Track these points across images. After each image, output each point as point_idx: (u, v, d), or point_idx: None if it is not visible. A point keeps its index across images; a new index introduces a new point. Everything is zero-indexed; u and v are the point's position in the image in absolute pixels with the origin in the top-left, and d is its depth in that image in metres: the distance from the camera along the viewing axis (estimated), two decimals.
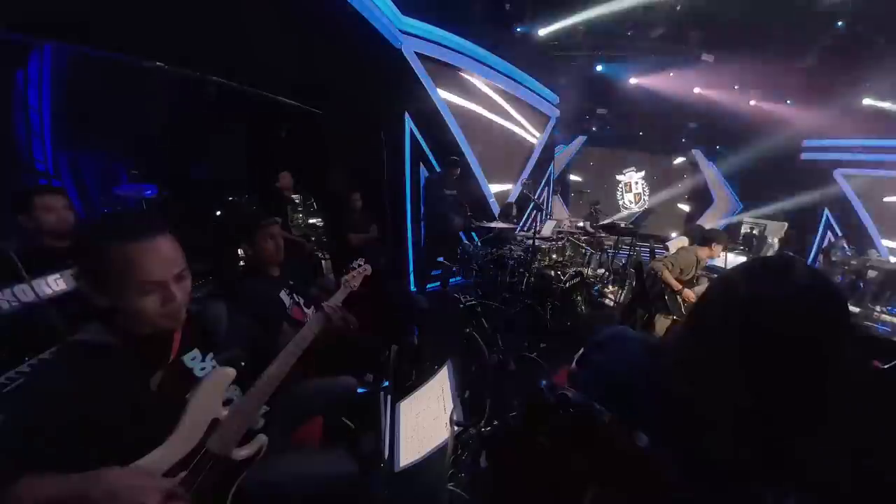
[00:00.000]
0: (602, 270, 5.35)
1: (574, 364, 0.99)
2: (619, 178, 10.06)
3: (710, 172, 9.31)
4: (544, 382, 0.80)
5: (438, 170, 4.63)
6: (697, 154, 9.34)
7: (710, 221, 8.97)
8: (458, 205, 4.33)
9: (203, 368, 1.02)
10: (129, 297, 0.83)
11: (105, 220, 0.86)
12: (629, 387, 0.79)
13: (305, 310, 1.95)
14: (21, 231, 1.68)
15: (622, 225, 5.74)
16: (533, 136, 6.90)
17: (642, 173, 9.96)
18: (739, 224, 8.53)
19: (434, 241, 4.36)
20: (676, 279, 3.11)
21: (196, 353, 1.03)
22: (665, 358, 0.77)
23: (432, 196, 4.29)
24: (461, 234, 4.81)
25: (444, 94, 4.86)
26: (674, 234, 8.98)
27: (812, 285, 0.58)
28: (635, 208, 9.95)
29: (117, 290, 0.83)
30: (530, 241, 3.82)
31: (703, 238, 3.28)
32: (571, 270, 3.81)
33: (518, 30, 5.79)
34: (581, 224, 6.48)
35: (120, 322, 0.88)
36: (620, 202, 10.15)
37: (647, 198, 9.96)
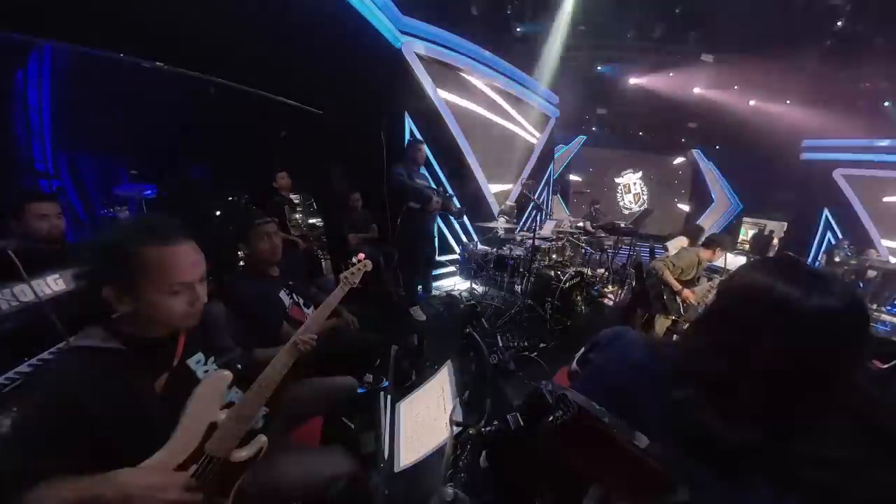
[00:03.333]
0: (602, 270, 5.36)
1: (574, 364, 1.00)
2: (617, 180, 10.07)
3: (710, 172, 9.32)
4: (544, 382, 0.80)
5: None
6: (697, 154, 9.35)
7: (709, 221, 8.98)
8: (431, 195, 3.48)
9: (206, 371, 1.02)
10: (161, 298, 0.85)
11: (138, 223, 0.89)
12: (629, 389, 0.80)
13: (305, 310, 1.95)
14: (13, 234, 1.68)
15: (622, 225, 5.75)
16: (533, 136, 6.90)
17: (640, 174, 9.96)
18: (739, 224, 8.55)
19: (408, 247, 3.63)
20: (677, 279, 3.11)
21: (200, 356, 1.03)
22: (669, 361, 0.76)
23: (397, 193, 3.46)
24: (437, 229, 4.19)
25: (444, 94, 4.86)
26: (674, 234, 9.00)
27: (853, 302, 0.57)
28: (636, 208, 9.96)
29: (147, 291, 0.84)
30: (530, 241, 3.82)
31: (708, 241, 3.28)
32: (571, 270, 3.80)
33: (519, 30, 5.79)
34: (581, 224, 6.48)
35: (124, 325, 0.88)
36: (620, 203, 10.16)
37: (646, 197, 9.97)
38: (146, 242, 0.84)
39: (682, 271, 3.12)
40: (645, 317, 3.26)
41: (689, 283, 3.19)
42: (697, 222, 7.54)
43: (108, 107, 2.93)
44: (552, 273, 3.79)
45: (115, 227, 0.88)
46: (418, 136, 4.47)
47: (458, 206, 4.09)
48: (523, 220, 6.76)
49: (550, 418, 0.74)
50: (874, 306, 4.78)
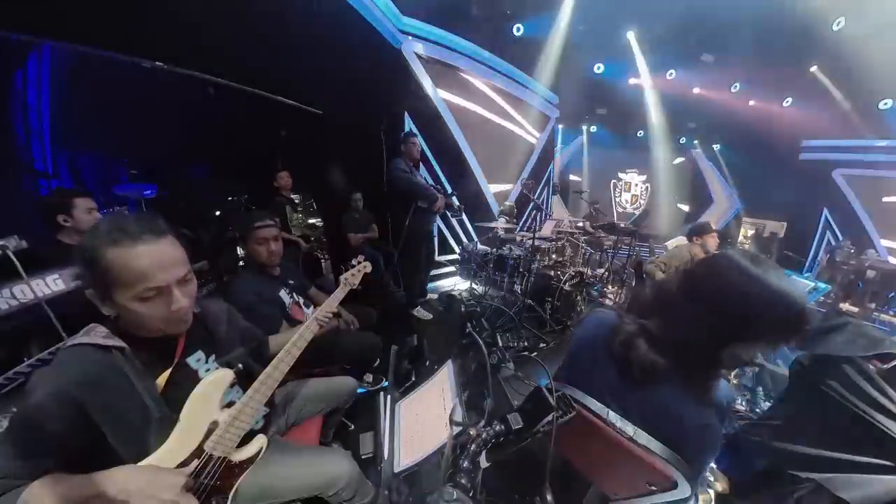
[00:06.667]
0: (602, 270, 5.35)
1: None
2: (621, 175, 10.07)
3: (710, 172, 9.32)
4: (544, 382, 0.80)
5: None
6: (697, 154, 9.35)
7: (709, 221, 8.98)
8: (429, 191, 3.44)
9: (208, 370, 1.02)
10: (131, 303, 0.82)
11: (104, 224, 0.84)
12: (594, 340, 1.01)
13: (305, 310, 1.95)
14: (54, 228, 1.80)
15: (622, 225, 5.74)
16: (533, 136, 6.90)
17: (644, 177, 9.97)
18: (739, 224, 8.55)
19: (413, 247, 3.58)
20: None
21: (201, 354, 1.03)
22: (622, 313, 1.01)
23: (403, 191, 3.38)
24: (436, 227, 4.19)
25: (443, 94, 4.87)
26: (674, 234, 9.00)
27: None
28: (630, 209, 9.98)
29: (119, 296, 0.82)
30: (530, 241, 3.81)
31: (689, 233, 3.24)
32: (571, 270, 3.80)
33: (518, 30, 5.78)
34: (581, 224, 6.48)
35: (124, 325, 0.88)
36: (616, 200, 10.18)
37: (643, 200, 9.98)
38: (108, 245, 0.80)
39: (675, 270, 3.09)
40: None
41: None
42: (697, 222, 7.55)
43: (108, 107, 2.93)
44: (552, 273, 3.79)
45: (89, 230, 0.84)
46: (418, 135, 4.46)
47: (458, 203, 4.03)
48: (523, 220, 6.76)
49: (550, 418, 0.74)
50: (873, 306, 4.79)
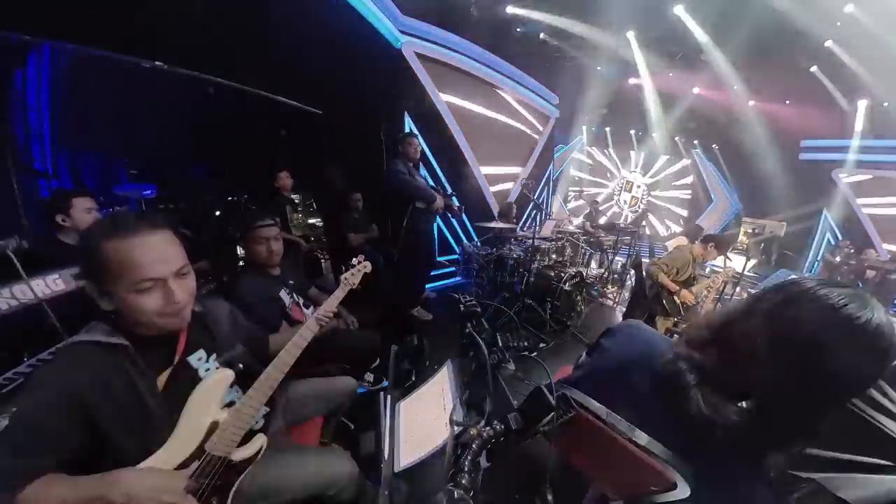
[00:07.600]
0: (602, 270, 5.36)
1: (584, 355, 1.02)
2: (624, 174, 10.08)
3: (710, 173, 9.32)
4: (544, 382, 0.80)
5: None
6: (697, 154, 9.35)
7: (709, 221, 8.99)
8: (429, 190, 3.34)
9: (208, 369, 1.02)
10: (129, 295, 0.82)
11: (102, 219, 0.85)
12: (628, 366, 0.85)
13: (305, 310, 1.95)
14: (54, 229, 1.83)
15: (622, 225, 5.75)
16: (533, 135, 6.90)
17: (643, 177, 9.98)
18: (739, 224, 8.56)
19: (412, 249, 3.44)
20: (673, 280, 3.09)
21: (202, 353, 1.02)
22: (683, 360, 0.78)
23: (400, 192, 3.24)
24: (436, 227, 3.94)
25: (443, 94, 4.87)
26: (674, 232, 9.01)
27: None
28: (627, 210, 9.99)
29: (117, 289, 0.82)
30: (530, 241, 3.81)
31: (704, 238, 3.25)
32: (571, 270, 3.80)
33: (518, 30, 5.78)
34: (580, 224, 6.48)
35: (124, 322, 0.88)
36: (616, 199, 10.19)
37: (643, 203, 9.99)
38: (107, 238, 0.81)
39: (677, 271, 3.10)
40: (645, 317, 3.25)
41: (687, 283, 3.17)
42: (697, 222, 7.56)
43: (109, 107, 2.93)
44: (552, 273, 3.79)
45: (90, 224, 0.86)
46: (418, 135, 4.46)
47: (458, 204, 3.96)
48: (523, 220, 6.76)
49: (550, 418, 0.74)
50: None
